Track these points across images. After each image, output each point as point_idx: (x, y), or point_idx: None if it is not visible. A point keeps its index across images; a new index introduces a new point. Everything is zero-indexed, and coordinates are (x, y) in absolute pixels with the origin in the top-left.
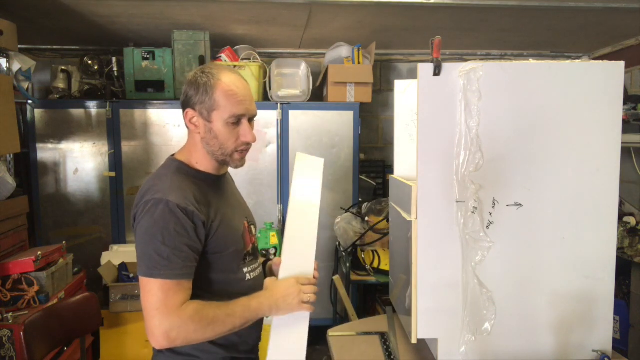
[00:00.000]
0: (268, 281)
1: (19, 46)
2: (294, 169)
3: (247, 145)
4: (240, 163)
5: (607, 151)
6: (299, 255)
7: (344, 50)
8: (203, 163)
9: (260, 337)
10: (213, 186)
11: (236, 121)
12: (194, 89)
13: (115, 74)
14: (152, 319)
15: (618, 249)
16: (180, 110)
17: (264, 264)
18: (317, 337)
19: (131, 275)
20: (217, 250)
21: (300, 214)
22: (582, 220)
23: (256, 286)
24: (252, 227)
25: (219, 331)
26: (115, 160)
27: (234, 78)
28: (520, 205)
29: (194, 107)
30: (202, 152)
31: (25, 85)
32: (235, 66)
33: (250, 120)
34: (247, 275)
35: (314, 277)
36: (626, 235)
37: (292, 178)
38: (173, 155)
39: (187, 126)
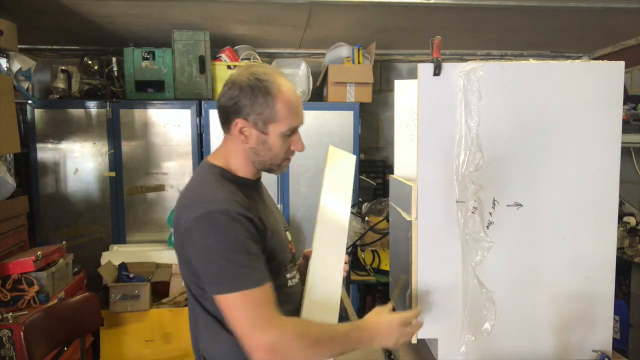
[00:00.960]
0: (371, 316)
1: (19, 46)
2: (326, 164)
3: (294, 153)
4: (285, 170)
5: (607, 151)
6: (329, 252)
7: (344, 50)
8: (242, 170)
9: None
10: (254, 192)
11: (292, 133)
12: (248, 98)
13: (115, 74)
14: (252, 336)
15: (618, 249)
16: (180, 110)
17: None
18: None
19: (131, 275)
20: (269, 258)
21: (332, 213)
22: (582, 220)
23: (296, 292)
24: (288, 232)
25: (321, 354)
26: (115, 160)
27: (290, 85)
28: (520, 205)
29: (247, 117)
30: (244, 160)
31: (25, 85)
32: (235, 66)
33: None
34: (289, 281)
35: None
36: (626, 235)
37: (324, 174)
38: (207, 159)
39: (229, 133)
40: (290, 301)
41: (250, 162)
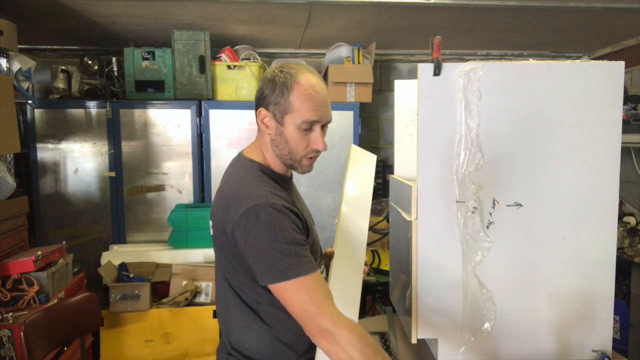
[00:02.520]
0: None
1: (19, 46)
2: (349, 162)
3: (317, 152)
4: (309, 169)
5: (607, 151)
6: (350, 250)
7: (344, 50)
8: (276, 165)
9: None
10: (289, 188)
11: (309, 127)
12: (270, 88)
13: (115, 74)
14: (317, 318)
15: (618, 249)
16: (180, 110)
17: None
18: None
19: (131, 275)
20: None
21: (353, 212)
22: (582, 220)
23: None
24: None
25: None
26: (115, 160)
27: (314, 81)
28: (520, 205)
29: (268, 107)
30: (272, 153)
31: (25, 85)
32: (235, 66)
33: (324, 126)
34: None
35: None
36: (626, 235)
37: (346, 172)
38: (243, 154)
39: (258, 125)
40: None
41: (275, 156)
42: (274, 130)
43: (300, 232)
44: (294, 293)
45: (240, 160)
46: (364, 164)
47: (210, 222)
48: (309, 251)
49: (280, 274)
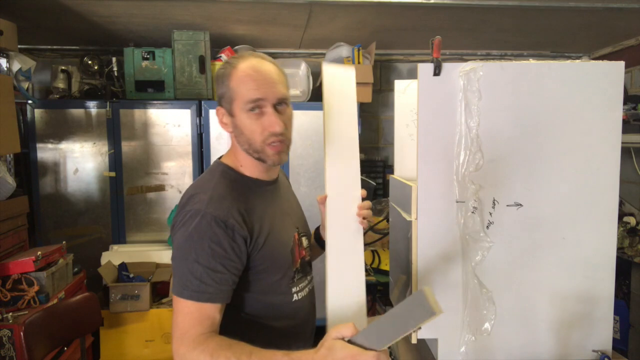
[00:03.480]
0: (328, 343)
1: (19, 46)
2: (323, 84)
3: (278, 137)
4: (277, 158)
5: (607, 151)
6: (342, 187)
7: (344, 50)
8: (249, 167)
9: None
10: (261, 193)
11: (255, 107)
12: (218, 84)
13: (115, 74)
14: (175, 341)
15: (618, 249)
16: (180, 110)
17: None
18: (318, 337)
19: (131, 275)
20: (261, 269)
21: (340, 148)
22: (582, 220)
23: (304, 307)
24: (304, 238)
25: None
26: (115, 160)
27: (253, 62)
28: (520, 205)
29: (221, 104)
30: (243, 153)
31: (25, 85)
32: None
33: (279, 105)
34: (295, 295)
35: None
36: (626, 235)
37: (323, 100)
38: (220, 157)
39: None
40: (292, 317)
41: (249, 157)
42: (230, 126)
43: (224, 254)
44: (178, 311)
45: (212, 164)
46: (342, 84)
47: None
48: (223, 280)
49: (178, 287)
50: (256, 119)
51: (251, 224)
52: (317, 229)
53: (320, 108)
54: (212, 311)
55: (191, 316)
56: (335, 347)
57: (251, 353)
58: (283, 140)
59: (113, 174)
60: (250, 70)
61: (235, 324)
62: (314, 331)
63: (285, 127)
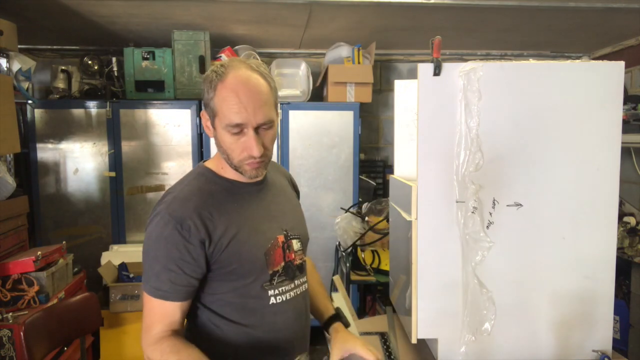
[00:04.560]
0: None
1: (19, 46)
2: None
3: (255, 159)
4: (255, 173)
5: (607, 151)
6: None
7: (344, 50)
8: (229, 170)
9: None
10: (239, 195)
11: (238, 131)
12: (205, 89)
13: (115, 74)
14: (143, 337)
15: (618, 249)
16: (180, 110)
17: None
18: (317, 337)
19: (131, 275)
20: (229, 270)
21: None
22: (582, 220)
23: (286, 310)
24: (294, 241)
25: None
26: (115, 160)
27: (243, 76)
28: (520, 205)
29: (206, 109)
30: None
31: (25, 85)
32: None
33: (262, 126)
34: (273, 298)
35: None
36: (626, 235)
37: None
38: (205, 160)
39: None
40: (269, 321)
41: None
42: (212, 134)
43: (179, 255)
44: (144, 304)
45: (196, 166)
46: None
47: None
48: (178, 280)
49: (143, 281)
50: (237, 139)
51: (213, 226)
52: (333, 321)
53: (320, 108)
54: (171, 309)
55: (153, 312)
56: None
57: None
58: (262, 161)
59: (113, 174)
60: (237, 87)
61: (210, 326)
62: (305, 339)
63: (265, 148)
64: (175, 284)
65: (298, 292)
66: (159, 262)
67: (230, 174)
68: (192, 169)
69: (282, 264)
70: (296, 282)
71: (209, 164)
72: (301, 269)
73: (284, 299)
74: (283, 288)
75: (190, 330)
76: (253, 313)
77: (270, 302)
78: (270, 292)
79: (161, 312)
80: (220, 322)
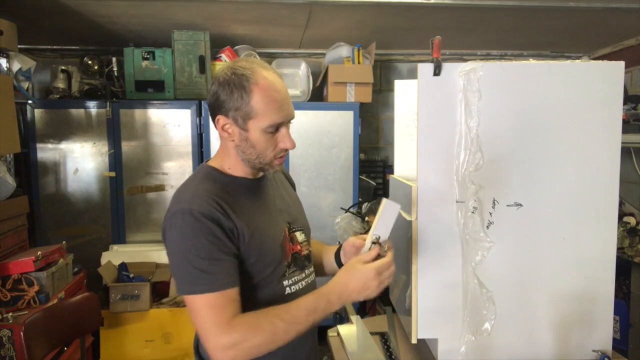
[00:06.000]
0: (342, 274)
1: (19, 46)
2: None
3: (286, 151)
4: (279, 168)
5: (607, 151)
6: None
7: (344, 50)
8: (236, 168)
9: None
10: (248, 191)
11: (275, 129)
12: (226, 93)
13: (115, 74)
14: (208, 340)
15: (618, 249)
16: (180, 110)
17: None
18: (317, 337)
19: (131, 275)
20: (250, 262)
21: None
22: (582, 220)
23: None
24: (298, 233)
25: (283, 341)
26: (115, 160)
27: (271, 79)
28: (520, 205)
29: (227, 114)
30: (236, 158)
31: (25, 85)
32: None
33: (288, 122)
34: (288, 289)
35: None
36: (626, 235)
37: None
38: (207, 161)
39: (218, 132)
40: None
41: (241, 160)
42: (237, 137)
43: (218, 244)
44: (199, 308)
45: (199, 167)
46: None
47: None
48: (223, 266)
49: (187, 286)
50: (271, 137)
51: (236, 219)
52: (339, 250)
53: (320, 108)
54: (232, 296)
55: (215, 308)
56: (355, 267)
57: (289, 308)
58: (287, 153)
59: (113, 174)
60: (272, 90)
61: None
62: (315, 328)
63: None
64: (228, 270)
65: (309, 282)
66: (203, 258)
67: (237, 172)
68: (197, 170)
69: (290, 255)
70: (306, 271)
71: (212, 164)
72: (309, 259)
73: (297, 288)
74: (295, 278)
75: None
76: (270, 304)
77: (286, 292)
78: (285, 283)
79: (224, 302)
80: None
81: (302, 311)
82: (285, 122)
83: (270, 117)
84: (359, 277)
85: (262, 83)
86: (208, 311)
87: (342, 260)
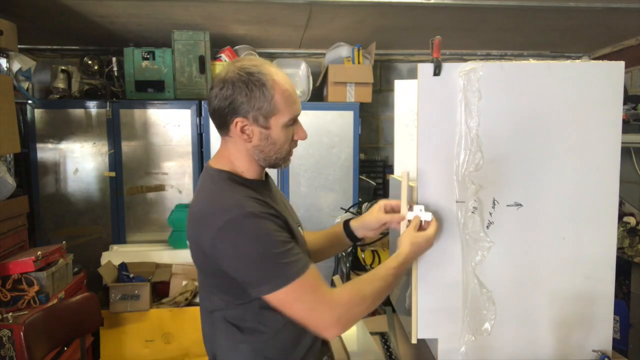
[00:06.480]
0: (407, 243)
1: (19, 46)
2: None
3: (296, 144)
4: (289, 162)
5: (607, 151)
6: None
7: (344, 50)
8: (249, 171)
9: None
10: (265, 192)
11: (293, 122)
12: (244, 94)
13: (115, 74)
14: (316, 319)
15: (618, 249)
16: (180, 110)
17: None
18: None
19: (131, 275)
20: None
21: None
22: (582, 220)
23: None
24: (300, 228)
25: (379, 300)
26: (115, 160)
27: (283, 74)
28: (520, 205)
29: (247, 115)
30: (248, 160)
31: (25, 85)
32: None
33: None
34: None
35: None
36: (626, 235)
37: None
38: (210, 165)
39: (228, 135)
40: None
41: (254, 162)
42: (257, 136)
43: (285, 234)
44: (297, 297)
45: (208, 172)
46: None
47: (188, 243)
48: (296, 249)
49: (277, 280)
50: (289, 131)
51: (281, 214)
52: (348, 222)
53: (320, 108)
54: (315, 274)
55: (312, 288)
56: (416, 236)
57: (376, 273)
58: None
59: (113, 174)
60: (287, 84)
61: (262, 324)
62: None
63: None
64: (304, 252)
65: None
66: (281, 250)
67: (250, 174)
68: (211, 176)
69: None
70: None
71: (223, 167)
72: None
73: None
74: None
75: (238, 340)
76: None
77: None
78: None
79: (315, 280)
80: (268, 319)
81: (390, 270)
82: (299, 114)
83: (290, 110)
84: (419, 244)
85: (279, 80)
86: (307, 294)
87: (360, 233)
